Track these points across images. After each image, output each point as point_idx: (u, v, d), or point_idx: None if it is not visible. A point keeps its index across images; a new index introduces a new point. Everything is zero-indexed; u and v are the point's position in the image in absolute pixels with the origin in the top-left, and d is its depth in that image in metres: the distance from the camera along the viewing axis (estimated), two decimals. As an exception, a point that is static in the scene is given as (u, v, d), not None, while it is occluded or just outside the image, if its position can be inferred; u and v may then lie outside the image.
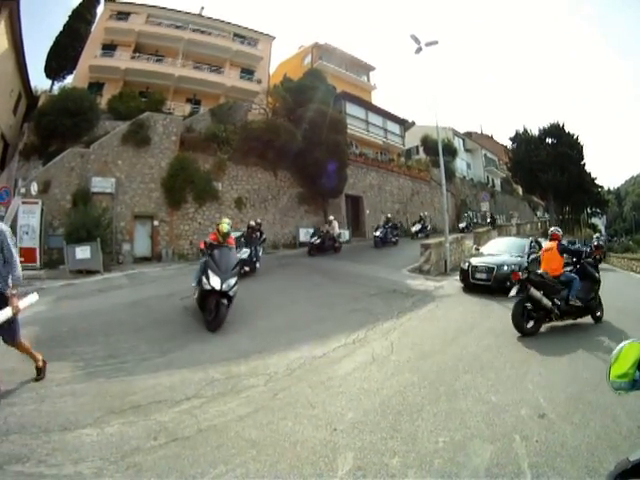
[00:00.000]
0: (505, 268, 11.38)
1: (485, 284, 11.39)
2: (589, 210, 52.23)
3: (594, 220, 63.61)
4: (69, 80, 28.52)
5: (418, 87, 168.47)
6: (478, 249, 14.17)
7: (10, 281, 4.52)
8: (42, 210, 16.11)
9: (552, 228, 9.16)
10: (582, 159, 44.06)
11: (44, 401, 4.38)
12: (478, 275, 11.60)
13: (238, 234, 13.32)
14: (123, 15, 29.22)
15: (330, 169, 23.07)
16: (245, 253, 13.17)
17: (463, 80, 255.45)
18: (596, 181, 47.43)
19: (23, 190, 16.18)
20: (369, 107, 35.08)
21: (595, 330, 7.78)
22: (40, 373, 5.05)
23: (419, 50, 16.44)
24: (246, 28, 33.28)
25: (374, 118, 34.76)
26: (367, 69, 40.33)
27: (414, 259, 15.55)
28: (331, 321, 8.20)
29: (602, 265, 12.20)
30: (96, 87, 27.16)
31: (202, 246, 8.42)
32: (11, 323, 4.51)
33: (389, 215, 25.05)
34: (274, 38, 34.70)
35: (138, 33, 29.11)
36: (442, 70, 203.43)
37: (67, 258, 14.68)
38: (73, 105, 19.72)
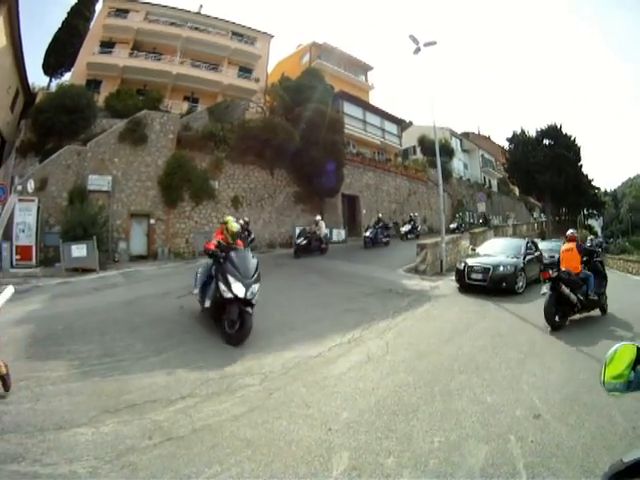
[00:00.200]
0: (501, 269, 11.42)
1: (481, 284, 11.40)
2: (586, 212, 52.34)
3: (590, 222, 63.78)
4: (67, 77, 28.51)
5: (416, 87, 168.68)
6: (474, 249, 14.21)
7: None
8: (38, 208, 16.07)
9: (569, 231, 10.02)
10: (579, 161, 44.15)
11: (39, 400, 4.37)
12: (474, 275, 11.61)
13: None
14: (122, 12, 29.13)
15: (327, 168, 23.07)
16: None
17: (461, 80, 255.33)
18: (593, 183, 47.55)
19: (20, 187, 16.03)
20: (367, 107, 35.16)
21: (594, 330, 7.82)
22: (4, 383, 4.55)
23: (417, 50, 16.46)
24: (244, 26, 33.27)
25: (371, 118, 34.83)
26: (365, 69, 40.35)
27: (407, 259, 15.59)
28: (326, 320, 8.20)
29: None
30: (94, 84, 27.09)
31: (211, 247, 7.36)
32: None
33: (380, 215, 24.95)
34: (272, 37, 34.72)
35: (136, 30, 29.05)
36: (440, 70, 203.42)
37: (63, 256, 14.64)
38: (70, 102, 19.63)
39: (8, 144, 22.80)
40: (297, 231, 23.32)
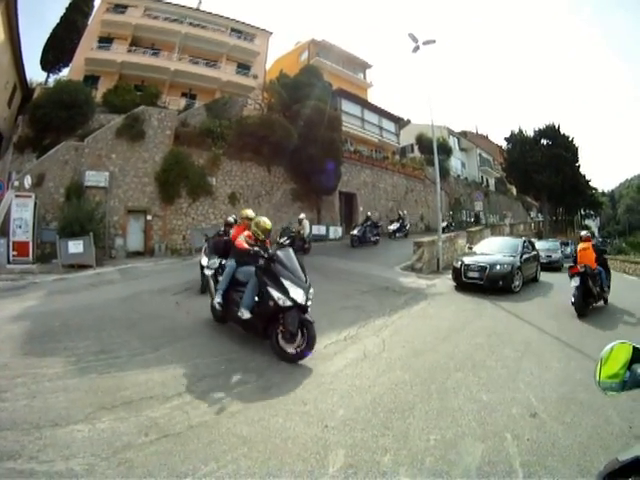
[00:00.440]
0: (498, 267, 11.45)
1: (477, 283, 11.43)
2: (583, 212, 52.62)
3: (588, 222, 64.12)
4: (65, 73, 28.50)
5: (414, 85, 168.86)
6: (471, 248, 14.24)
7: None
8: (35, 204, 16.04)
9: (583, 232, 11.95)
10: (577, 161, 44.34)
11: (36, 397, 4.35)
12: (470, 274, 11.64)
13: (211, 233, 11.52)
14: (120, 8, 29.06)
15: (325, 166, 23.04)
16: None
17: (460, 79, 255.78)
18: (590, 183, 47.87)
19: (17, 183, 16.09)
20: (365, 104, 35.17)
21: (592, 329, 7.84)
22: None
23: (416, 49, 16.44)
24: (243, 23, 33.20)
25: (370, 116, 34.85)
26: (364, 66, 40.35)
27: (402, 257, 15.61)
28: (323, 318, 8.16)
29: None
30: (92, 80, 27.03)
31: (244, 247, 6.57)
32: None
33: (369, 213, 24.63)
34: (271, 33, 34.66)
35: (135, 26, 29.00)
36: (439, 69, 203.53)
37: (60, 252, 14.60)
38: (68, 98, 19.61)
39: (5, 140, 22.77)
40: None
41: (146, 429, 3.76)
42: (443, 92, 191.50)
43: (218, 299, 6.74)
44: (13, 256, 15.03)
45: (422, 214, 34.73)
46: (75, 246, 14.73)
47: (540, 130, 45.08)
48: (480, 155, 52.11)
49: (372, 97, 40.32)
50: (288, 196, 24.44)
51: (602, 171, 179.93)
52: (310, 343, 5.73)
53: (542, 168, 41.25)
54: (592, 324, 8.29)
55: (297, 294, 5.80)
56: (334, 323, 7.72)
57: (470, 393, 4.69)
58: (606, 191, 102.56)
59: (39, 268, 14.31)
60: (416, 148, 40.76)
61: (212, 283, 7.40)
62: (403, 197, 33.40)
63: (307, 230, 18.99)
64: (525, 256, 12.89)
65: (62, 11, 29.71)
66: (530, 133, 45.54)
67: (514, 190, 54.49)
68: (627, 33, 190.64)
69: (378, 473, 3.17)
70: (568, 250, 29.94)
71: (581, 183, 44.89)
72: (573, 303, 9.12)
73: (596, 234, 67.46)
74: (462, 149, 49.15)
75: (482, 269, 11.51)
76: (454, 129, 48.75)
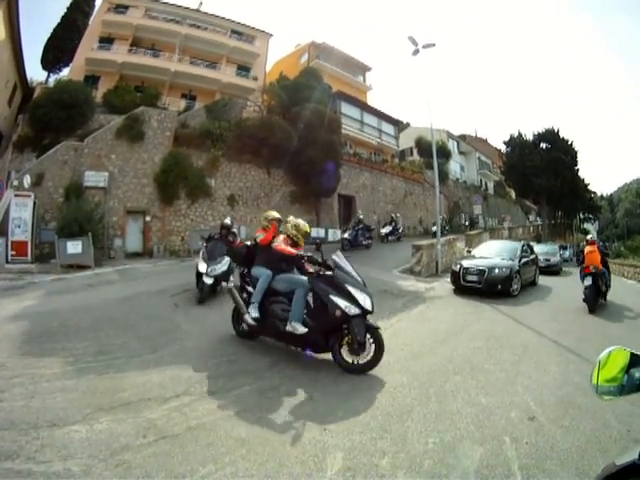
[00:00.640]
0: (496, 271, 11.47)
1: (476, 286, 11.44)
2: (581, 215, 52.63)
3: (586, 225, 64.07)
4: (65, 72, 28.54)
5: (414, 89, 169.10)
6: (470, 251, 14.24)
7: None
8: (34, 203, 16.03)
9: (589, 236, 13.36)
10: (576, 164, 44.40)
11: (34, 397, 4.34)
12: (469, 277, 11.65)
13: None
14: (121, 8, 29.09)
15: (324, 169, 23.02)
16: (226, 264, 9.68)
17: (459, 82, 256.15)
18: (589, 187, 47.92)
19: (16, 183, 16.08)
20: (364, 107, 35.23)
21: (590, 333, 7.85)
22: None
23: (416, 52, 16.48)
24: (244, 25, 33.25)
25: (369, 118, 34.91)
26: (363, 69, 40.39)
27: (400, 261, 15.59)
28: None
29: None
30: (92, 80, 27.06)
31: (291, 252, 6.11)
32: None
33: (361, 216, 24.24)
34: (271, 35, 34.72)
35: (136, 27, 29.04)
36: (438, 71, 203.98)
37: (58, 252, 14.57)
38: (68, 98, 19.64)
39: (5, 139, 22.78)
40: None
41: (144, 430, 3.75)
42: (442, 95, 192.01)
43: (254, 313, 6.00)
44: (12, 256, 15.01)
45: (421, 217, 34.75)
46: (74, 246, 14.71)
47: (539, 134, 45.15)
48: (479, 158, 52.17)
49: (371, 100, 40.41)
50: (287, 198, 24.41)
51: (601, 175, 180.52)
52: (380, 351, 5.41)
53: (541, 172, 41.31)
54: (594, 321, 8.34)
55: (365, 300, 5.50)
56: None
57: (468, 396, 4.69)
58: (605, 195, 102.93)
59: (37, 268, 14.28)
60: (415, 151, 40.81)
61: (237, 295, 6.47)
62: (402, 200, 33.40)
63: None
64: (524, 260, 12.91)
65: (63, 10, 29.77)
66: (529, 137, 45.62)
67: (513, 194, 54.54)
68: (627, 35, 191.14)
69: (376, 476, 3.17)
70: (567, 254, 30.04)
71: (580, 187, 44.95)
72: (585, 300, 10.05)
73: (595, 237, 67.58)
74: (461, 152, 49.21)
75: (481, 272, 11.53)
76: (453, 132, 48.84)
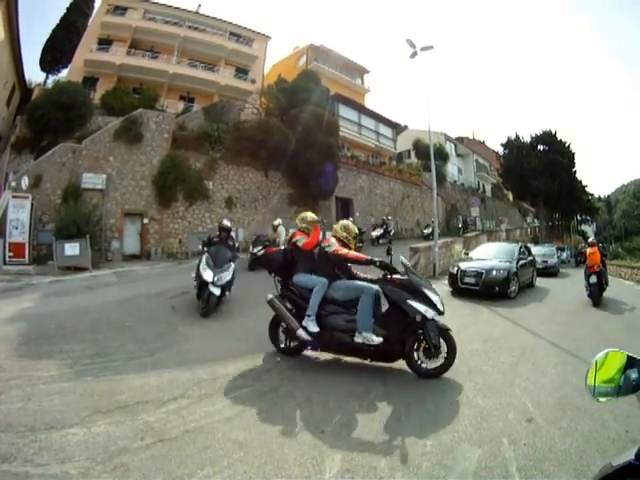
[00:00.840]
0: (494, 273, 11.47)
1: (473, 289, 11.44)
2: (579, 217, 52.70)
3: (584, 227, 64.25)
4: (64, 74, 28.47)
5: (411, 91, 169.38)
6: (467, 254, 14.26)
7: None
8: (32, 205, 16.02)
9: (590, 239, 14.91)
10: (573, 167, 44.46)
11: (31, 399, 4.33)
12: (467, 279, 11.65)
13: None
14: (120, 10, 29.12)
15: (322, 171, 23.04)
16: (232, 271, 8.91)
17: (457, 84, 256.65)
18: (587, 189, 47.94)
19: (14, 184, 16.06)
20: (362, 110, 35.32)
21: (587, 334, 7.86)
22: None
23: (414, 55, 16.50)
24: (242, 27, 33.32)
25: (367, 121, 35.01)
26: (361, 72, 40.47)
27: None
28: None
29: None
30: (90, 82, 27.07)
31: (360, 258, 5.74)
32: None
33: (351, 218, 22.34)
34: (270, 38, 34.76)
35: (134, 29, 29.06)
36: (436, 74, 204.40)
37: (56, 254, 14.56)
38: (67, 99, 19.62)
39: (3, 140, 22.76)
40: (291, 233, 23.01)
41: (142, 433, 3.74)
42: (440, 97, 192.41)
43: (314, 328, 5.48)
44: (9, 257, 14.99)
45: (418, 220, 34.78)
46: (71, 248, 14.69)
47: (537, 136, 45.25)
48: (477, 161, 52.31)
49: (369, 102, 40.63)
50: (285, 201, 24.47)
51: (598, 176, 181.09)
52: (452, 352, 5.32)
53: (539, 174, 41.37)
54: (592, 322, 8.35)
55: (438, 302, 5.41)
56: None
57: (466, 398, 4.69)
58: (602, 196, 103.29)
59: (35, 270, 14.26)
60: (413, 154, 40.89)
61: (283, 307, 5.86)
62: (400, 203, 33.46)
63: (283, 238, 15.91)
64: (521, 262, 12.93)
65: (62, 12, 29.86)
66: (527, 139, 45.71)
67: (510, 196, 54.66)
68: (626, 37, 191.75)
69: (375, 478, 3.17)
70: (564, 255, 30.08)
71: (577, 189, 45.00)
72: (590, 295, 11.35)
73: (593, 239, 67.75)
74: (459, 155, 49.34)
75: (478, 275, 11.53)
76: (451, 135, 49.05)
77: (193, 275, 9.32)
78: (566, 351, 6.60)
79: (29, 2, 47.16)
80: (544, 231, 45.04)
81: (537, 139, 45.11)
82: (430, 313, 5.25)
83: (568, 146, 44.49)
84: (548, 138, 44.64)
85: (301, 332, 5.52)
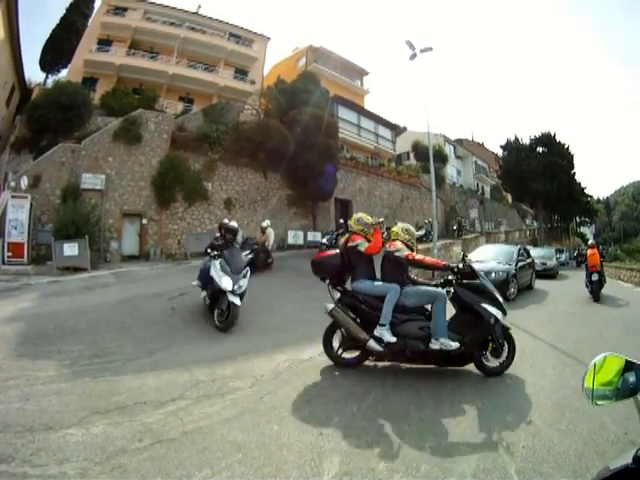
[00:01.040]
0: (493, 275, 11.43)
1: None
2: (578, 219, 52.76)
3: (583, 229, 64.31)
4: (63, 74, 28.41)
5: (411, 92, 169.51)
6: (466, 256, 14.24)
7: None
8: (31, 205, 15.99)
9: (590, 241, 16.42)
10: (572, 168, 44.52)
11: (29, 400, 4.33)
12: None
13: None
14: (120, 10, 29.08)
15: (321, 172, 23.03)
16: (247, 278, 8.09)
17: (456, 85, 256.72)
18: (586, 191, 47.99)
19: (13, 184, 16.05)
20: (361, 111, 35.32)
21: (586, 336, 7.87)
22: None
23: (414, 56, 16.55)
24: (242, 28, 33.32)
25: (366, 122, 35.01)
26: (361, 73, 40.46)
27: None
28: (318, 324, 8.13)
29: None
30: (90, 82, 27.04)
31: (438, 263, 5.87)
32: None
33: (341, 220, 22.02)
34: (269, 39, 34.77)
35: (134, 29, 29.05)
36: (435, 75, 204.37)
37: (55, 254, 14.55)
38: (66, 99, 19.60)
39: (2, 140, 22.75)
40: (290, 234, 22.72)
41: (140, 434, 3.73)
42: (440, 99, 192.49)
43: (390, 337, 5.22)
44: (8, 257, 14.96)
45: (417, 221, 34.69)
46: (70, 248, 14.67)
47: (536, 138, 45.30)
48: (476, 163, 52.35)
49: (369, 104, 40.52)
50: (284, 202, 24.48)
51: (598, 178, 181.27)
52: (513, 350, 5.51)
53: (538, 176, 41.40)
54: (591, 324, 8.36)
55: (503, 302, 5.54)
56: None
57: (464, 400, 4.68)
58: (601, 198, 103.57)
59: (34, 270, 14.23)
60: (412, 155, 40.86)
61: (347, 317, 5.55)
62: (399, 204, 33.44)
63: (271, 241, 16.06)
64: (520, 264, 12.95)
65: (62, 12, 29.85)
66: (526, 141, 45.76)
67: (509, 198, 54.67)
68: (626, 38, 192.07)
69: (373, 480, 3.17)
70: (563, 257, 30.07)
71: (576, 190, 45.06)
72: (591, 292, 12.61)
73: (592, 242, 67.79)
74: (458, 157, 49.36)
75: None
76: (450, 137, 49.01)
77: (195, 283, 9.01)
78: (565, 353, 6.61)
79: (29, 2, 47.17)
80: (543, 233, 45.09)
81: (536, 141, 45.17)
82: (499, 315, 5.33)
83: (567, 148, 44.58)
84: (547, 140, 44.70)
85: (372, 343, 5.29)
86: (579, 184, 46.28)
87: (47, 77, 29.08)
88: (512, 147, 45.68)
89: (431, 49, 16.50)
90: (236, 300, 7.42)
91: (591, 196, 53.76)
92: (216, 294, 7.75)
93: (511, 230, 38.30)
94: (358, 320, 5.50)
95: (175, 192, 19.92)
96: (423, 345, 5.22)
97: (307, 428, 3.97)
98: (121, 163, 19.07)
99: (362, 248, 5.65)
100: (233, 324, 7.47)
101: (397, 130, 39.85)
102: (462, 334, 5.27)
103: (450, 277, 5.76)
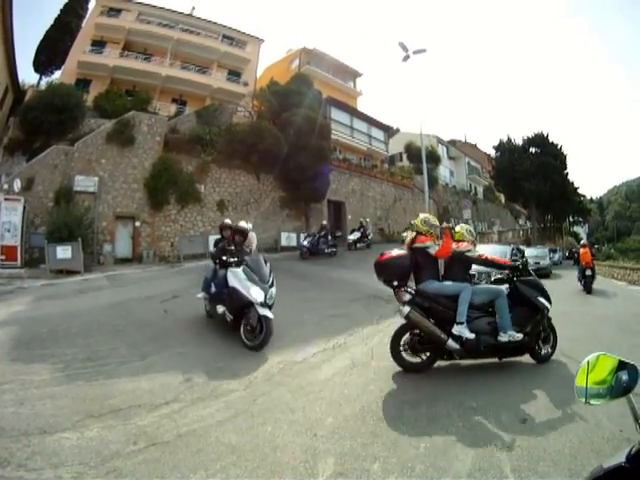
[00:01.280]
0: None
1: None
2: (571, 219, 52.89)
3: (576, 229, 64.50)
4: (57, 75, 28.31)
5: (404, 94, 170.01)
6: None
7: None
8: (24, 207, 15.93)
9: (583, 240, 19.46)
10: (565, 168, 44.62)
11: (23, 404, 4.31)
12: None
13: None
14: (114, 11, 29.09)
15: (314, 174, 23.06)
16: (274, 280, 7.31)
17: (449, 86, 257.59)
18: (579, 190, 48.10)
19: (6, 186, 15.99)
20: (354, 113, 35.37)
21: (580, 335, 7.90)
22: None
23: (407, 58, 16.61)
24: (235, 30, 33.35)
25: (359, 124, 35.06)
26: (354, 75, 40.55)
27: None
28: (311, 326, 8.15)
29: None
30: (83, 84, 26.96)
31: (509, 264, 6.19)
32: None
33: (324, 222, 22.54)
34: (262, 41, 34.83)
35: (128, 30, 29.03)
36: (429, 77, 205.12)
37: (48, 257, 14.51)
38: (60, 101, 19.58)
39: (-5, 142, 22.61)
40: (283, 236, 22.53)
41: (134, 437, 3.73)
42: (433, 100, 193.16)
43: (469, 334, 5.30)
44: (1, 260, 14.91)
45: (410, 222, 34.76)
46: (63, 251, 14.64)
47: (529, 138, 45.37)
48: (469, 163, 52.53)
49: (362, 105, 40.61)
50: (276, 204, 24.50)
51: (590, 178, 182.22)
52: (556, 338, 6.12)
53: (531, 176, 41.48)
54: (585, 322, 8.40)
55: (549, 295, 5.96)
56: (322, 331, 7.68)
57: (460, 400, 4.69)
58: (594, 198, 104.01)
59: (27, 273, 14.19)
60: (405, 157, 40.94)
61: (427, 320, 5.45)
62: (392, 206, 33.53)
63: (254, 245, 15.02)
64: (516, 263, 12.95)
65: (56, 13, 29.71)
66: (519, 141, 45.88)
67: (502, 198, 54.80)
68: (624, 39, 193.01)
69: (368, 481, 3.18)
70: (556, 257, 30.20)
71: (569, 190, 45.16)
72: (584, 285, 14.36)
73: (585, 240, 68.10)
74: (451, 158, 49.53)
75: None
76: (443, 138, 49.19)
77: (200, 295, 8.36)
78: (560, 351, 6.62)
79: (23, 3, 46.94)
80: (536, 233, 45.20)
81: (529, 141, 45.27)
82: (549, 306, 5.82)
83: (560, 148, 44.68)
84: (540, 140, 44.79)
85: (452, 342, 5.31)
86: (572, 184, 46.40)
87: (41, 78, 28.96)
88: (505, 148, 45.76)
89: (424, 51, 16.60)
90: (268, 313, 6.55)
91: (584, 196, 53.93)
92: (239, 307, 6.78)
93: (504, 230, 38.46)
94: (432, 321, 5.48)
95: (168, 194, 19.89)
96: (492, 339, 5.46)
97: (301, 430, 3.97)
98: (114, 165, 19.01)
99: (432, 251, 5.69)
100: (267, 342, 6.46)
101: (390, 131, 39.90)
102: (521, 325, 5.58)
103: (508, 275, 6.23)
